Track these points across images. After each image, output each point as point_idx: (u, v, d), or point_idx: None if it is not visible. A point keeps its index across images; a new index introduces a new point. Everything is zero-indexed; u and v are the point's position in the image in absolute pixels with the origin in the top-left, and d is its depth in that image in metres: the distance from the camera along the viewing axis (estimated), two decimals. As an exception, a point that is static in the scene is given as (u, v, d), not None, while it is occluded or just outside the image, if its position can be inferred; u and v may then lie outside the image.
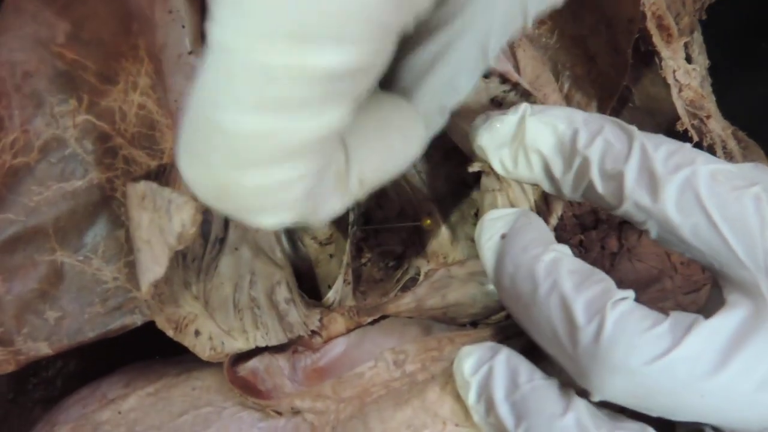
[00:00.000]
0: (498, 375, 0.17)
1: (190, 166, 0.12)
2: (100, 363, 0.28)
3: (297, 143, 0.11)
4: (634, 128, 0.17)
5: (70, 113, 0.21)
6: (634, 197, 0.16)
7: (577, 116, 0.18)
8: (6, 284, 0.21)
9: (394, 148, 0.15)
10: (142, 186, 0.17)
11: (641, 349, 0.14)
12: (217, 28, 0.10)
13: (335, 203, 0.13)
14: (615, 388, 0.15)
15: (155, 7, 0.19)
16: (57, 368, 0.31)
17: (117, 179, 0.22)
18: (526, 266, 0.17)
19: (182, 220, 0.16)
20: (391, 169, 0.15)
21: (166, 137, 0.22)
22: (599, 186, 0.17)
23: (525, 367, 0.17)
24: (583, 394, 0.16)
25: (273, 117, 0.10)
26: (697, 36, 0.35)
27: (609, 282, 0.16)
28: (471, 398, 0.17)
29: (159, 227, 0.17)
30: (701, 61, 0.35)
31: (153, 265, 0.17)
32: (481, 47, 0.15)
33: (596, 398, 0.15)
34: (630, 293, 0.16)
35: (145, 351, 0.27)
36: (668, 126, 0.30)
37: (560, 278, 0.16)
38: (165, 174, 0.20)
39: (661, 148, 0.16)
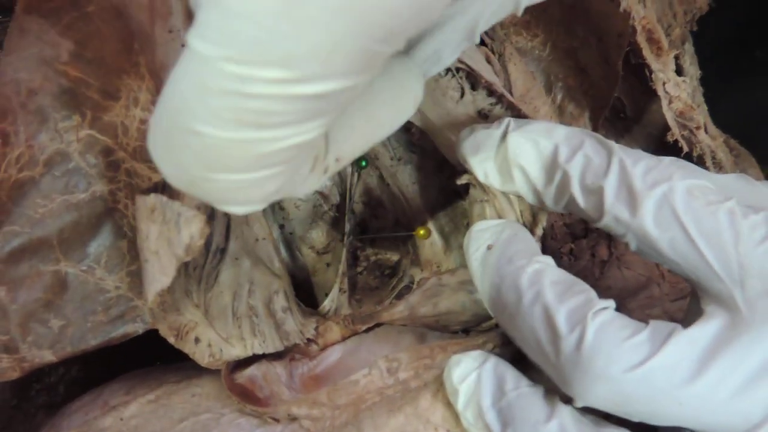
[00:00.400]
0: (485, 382, 0.17)
1: (159, 156, 0.11)
2: (101, 369, 0.29)
3: (273, 153, 0.10)
4: (613, 143, 0.18)
5: (73, 128, 0.21)
6: (614, 212, 0.17)
7: (559, 131, 0.18)
8: (11, 294, 0.21)
9: (381, 120, 0.15)
10: (152, 199, 0.18)
11: (621, 358, 0.15)
12: (199, 41, 0.09)
13: (312, 183, 0.13)
14: (596, 395, 0.15)
15: (156, 26, 0.20)
16: (59, 374, 0.32)
17: (119, 191, 0.23)
18: (510, 277, 0.17)
19: (191, 232, 0.17)
20: (376, 139, 0.15)
21: (166, 150, 0.23)
22: (580, 200, 0.17)
23: (511, 375, 0.18)
24: (568, 400, 0.17)
25: (250, 131, 0.10)
26: (689, 47, 0.36)
27: (590, 292, 0.17)
28: (460, 405, 0.18)
29: (167, 239, 0.17)
30: (692, 71, 0.36)
31: (160, 276, 0.18)
32: (470, 29, 0.15)
33: (579, 404, 0.16)
34: (610, 303, 0.17)
35: (146, 357, 0.27)
36: (660, 136, 0.31)
37: (543, 289, 0.17)
38: (170, 186, 0.20)
39: (639, 164, 0.17)
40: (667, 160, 0.17)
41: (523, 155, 0.18)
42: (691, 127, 0.30)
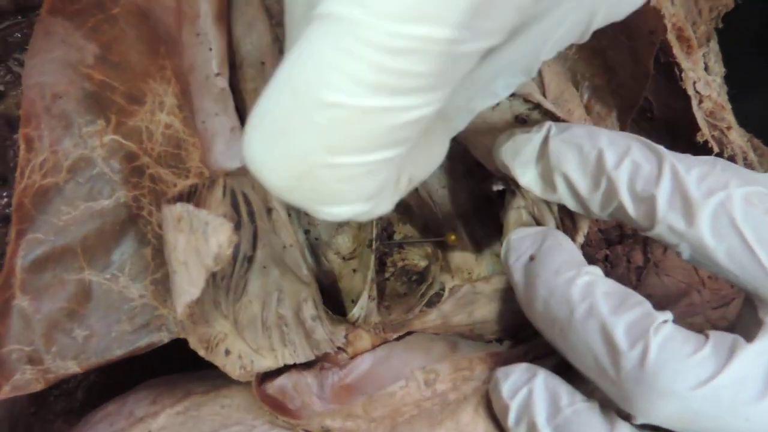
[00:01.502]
0: (538, 398, 0.17)
1: (266, 150, 0.11)
2: (120, 375, 0.29)
3: (401, 126, 0.10)
4: (662, 148, 0.17)
5: (97, 133, 0.21)
6: (668, 221, 0.16)
7: (603, 136, 0.18)
8: (35, 303, 0.21)
9: (434, 150, 0.16)
10: (179, 208, 0.17)
11: (687, 374, 0.14)
12: (343, 5, 0.09)
13: (390, 200, 0.14)
14: (661, 412, 0.15)
15: (183, 29, 0.19)
16: (77, 380, 0.31)
17: (143, 198, 0.22)
18: (560, 290, 0.17)
19: (219, 241, 0.16)
20: (431, 169, 0.16)
21: (192, 156, 0.22)
22: (630, 208, 0.17)
23: (565, 390, 0.17)
24: (625, 416, 0.16)
25: (386, 98, 0.10)
26: (714, 44, 0.35)
27: (647, 304, 0.16)
28: (510, 421, 0.17)
29: (195, 249, 0.17)
30: (717, 69, 0.35)
31: (189, 287, 0.17)
32: (528, 63, 0.15)
33: (640, 421, 0.16)
34: (669, 315, 0.16)
35: (165, 363, 0.27)
36: (687, 137, 0.30)
37: (596, 301, 0.16)
38: (196, 195, 0.20)
39: (693, 171, 0.16)
40: (720, 166, 0.17)
41: (566, 161, 0.18)
42: (721, 127, 0.30)
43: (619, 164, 0.17)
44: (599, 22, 0.15)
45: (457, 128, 0.17)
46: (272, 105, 0.11)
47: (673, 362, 0.15)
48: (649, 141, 0.17)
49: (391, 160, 0.11)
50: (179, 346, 0.22)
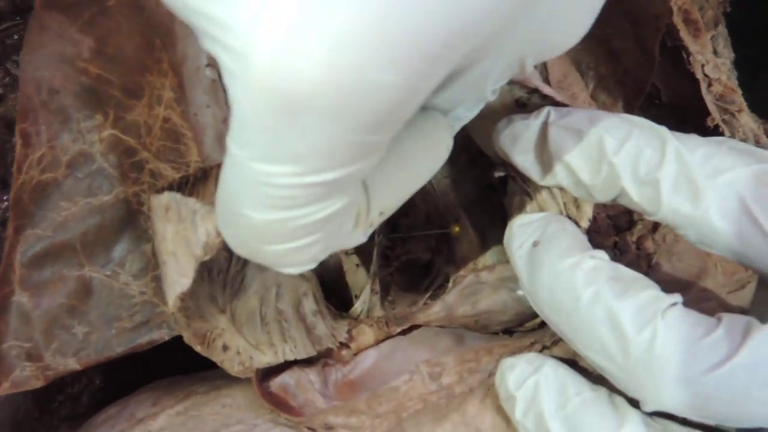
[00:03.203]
0: (546, 388, 0.16)
1: (224, 233, 0.14)
2: (125, 379, 0.28)
3: (306, 226, 0.12)
4: (664, 129, 0.16)
5: (96, 128, 0.21)
6: (673, 204, 0.16)
7: (603, 120, 0.17)
8: (35, 299, 0.21)
9: (417, 171, 0.16)
10: (166, 197, 0.17)
11: (699, 358, 0.14)
12: (231, 143, 0.11)
13: (359, 236, 0.15)
14: (672, 398, 0.14)
15: (175, 20, 0.19)
16: (83, 385, 0.31)
17: (143, 193, 0.22)
18: (564, 276, 0.16)
19: (207, 229, 0.16)
20: (415, 189, 0.16)
21: (191, 150, 0.22)
22: (633, 193, 0.16)
23: (572, 379, 0.16)
24: (634, 403, 0.15)
25: (282, 212, 0.12)
26: (722, 29, 0.34)
27: (655, 288, 0.16)
28: (518, 413, 0.17)
29: (184, 238, 0.17)
30: (726, 54, 0.34)
31: (179, 278, 0.17)
32: (477, 97, 0.16)
33: (650, 408, 0.15)
34: (678, 298, 0.15)
35: (171, 367, 0.26)
36: (697, 122, 0.29)
37: (602, 287, 0.16)
38: (188, 186, 0.19)
39: (697, 152, 0.16)
40: (726, 145, 0.16)
41: (566, 148, 0.17)
42: (732, 111, 0.29)
43: (620, 149, 0.16)
44: (531, 63, 0.15)
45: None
46: (218, 201, 0.13)
47: (684, 346, 0.14)
48: (651, 123, 0.17)
49: (318, 240, 0.13)
50: (184, 348, 0.21)
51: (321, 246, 0.13)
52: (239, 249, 0.14)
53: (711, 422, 0.14)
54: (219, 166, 0.21)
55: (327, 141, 0.11)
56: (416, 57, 0.10)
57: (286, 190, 0.11)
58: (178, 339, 0.21)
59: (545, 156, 0.18)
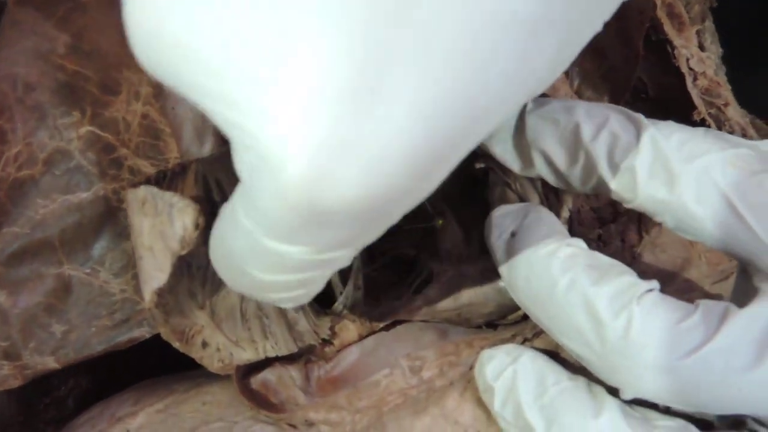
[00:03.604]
0: (523, 378, 0.16)
1: (220, 273, 0.15)
2: (112, 381, 0.28)
3: (305, 282, 0.13)
4: (641, 117, 0.16)
5: (73, 125, 0.21)
6: (649, 191, 0.15)
7: (579, 108, 0.17)
8: (12, 298, 0.20)
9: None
10: (142, 191, 0.17)
11: (674, 343, 0.14)
12: (245, 217, 0.12)
13: (346, 260, 0.15)
14: (648, 385, 0.14)
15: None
16: (68, 387, 0.31)
17: (123, 190, 0.22)
18: (540, 264, 0.16)
19: (184, 223, 0.16)
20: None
21: (170, 146, 0.22)
22: (610, 181, 0.16)
23: (551, 368, 0.16)
24: (612, 392, 0.15)
25: (290, 275, 0.13)
26: (709, 24, 0.34)
27: (631, 274, 0.15)
28: (496, 404, 0.17)
29: (161, 232, 0.16)
30: (714, 49, 0.34)
31: (156, 273, 0.17)
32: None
33: (627, 396, 0.15)
34: (655, 284, 0.15)
35: (159, 368, 0.26)
36: (683, 116, 0.29)
37: (578, 274, 0.15)
38: (165, 180, 0.19)
39: (672, 138, 0.15)
40: (702, 131, 0.16)
41: (543, 137, 0.17)
42: (718, 104, 0.29)
43: (596, 136, 0.16)
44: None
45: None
46: (214, 250, 0.14)
47: (660, 331, 0.14)
48: (628, 110, 0.17)
49: (320, 285, 0.14)
50: (173, 349, 0.21)
51: (318, 287, 0.14)
52: (235, 288, 0.15)
53: (690, 409, 0.14)
54: (198, 161, 0.21)
55: (349, 235, 0.11)
56: (446, 165, 0.11)
57: (297, 263, 0.12)
58: (168, 343, 0.20)
59: (524, 146, 0.18)
